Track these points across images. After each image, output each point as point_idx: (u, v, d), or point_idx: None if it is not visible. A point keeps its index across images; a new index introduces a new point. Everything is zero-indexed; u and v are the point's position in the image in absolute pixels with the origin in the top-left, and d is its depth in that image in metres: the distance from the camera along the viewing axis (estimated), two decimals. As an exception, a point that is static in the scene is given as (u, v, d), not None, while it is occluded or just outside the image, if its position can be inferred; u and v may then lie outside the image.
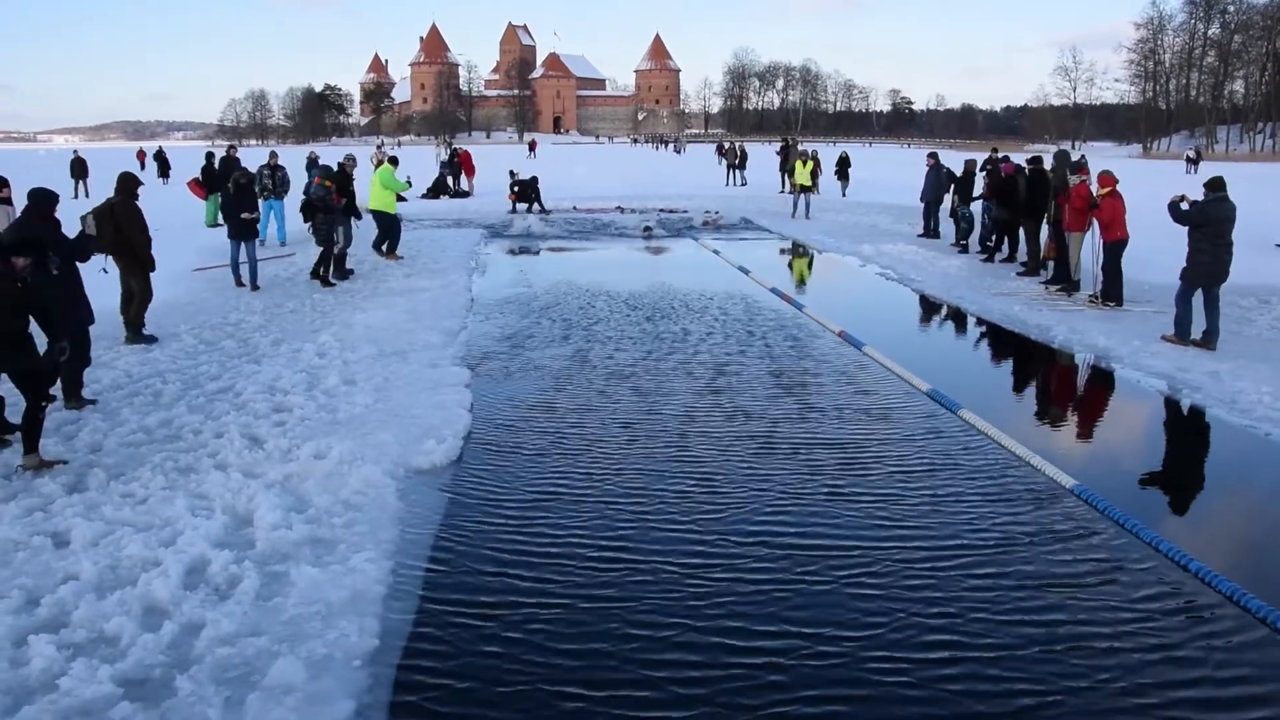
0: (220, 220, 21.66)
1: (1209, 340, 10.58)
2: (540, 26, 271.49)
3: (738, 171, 41.02)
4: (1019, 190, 16.57)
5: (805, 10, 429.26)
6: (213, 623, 4.58)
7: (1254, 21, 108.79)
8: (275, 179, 19.88)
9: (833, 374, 9.78)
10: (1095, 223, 13.17)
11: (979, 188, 19.30)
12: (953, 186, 20.61)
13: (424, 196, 33.33)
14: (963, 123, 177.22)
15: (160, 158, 42.42)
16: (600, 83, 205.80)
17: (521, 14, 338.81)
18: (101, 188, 26.55)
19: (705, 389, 9.20)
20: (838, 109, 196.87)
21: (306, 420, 7.95)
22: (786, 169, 35.40)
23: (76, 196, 30.58)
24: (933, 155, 22.17)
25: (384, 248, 18.00)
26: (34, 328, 6.87)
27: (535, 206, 29.41)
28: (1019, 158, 19.23)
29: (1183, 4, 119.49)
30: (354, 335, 11.14)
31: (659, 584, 5.23)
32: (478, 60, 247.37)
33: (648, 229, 23.78)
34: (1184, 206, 10.84)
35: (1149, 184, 24.21)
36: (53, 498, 6.23)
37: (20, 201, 8.94)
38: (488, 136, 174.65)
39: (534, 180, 30.14)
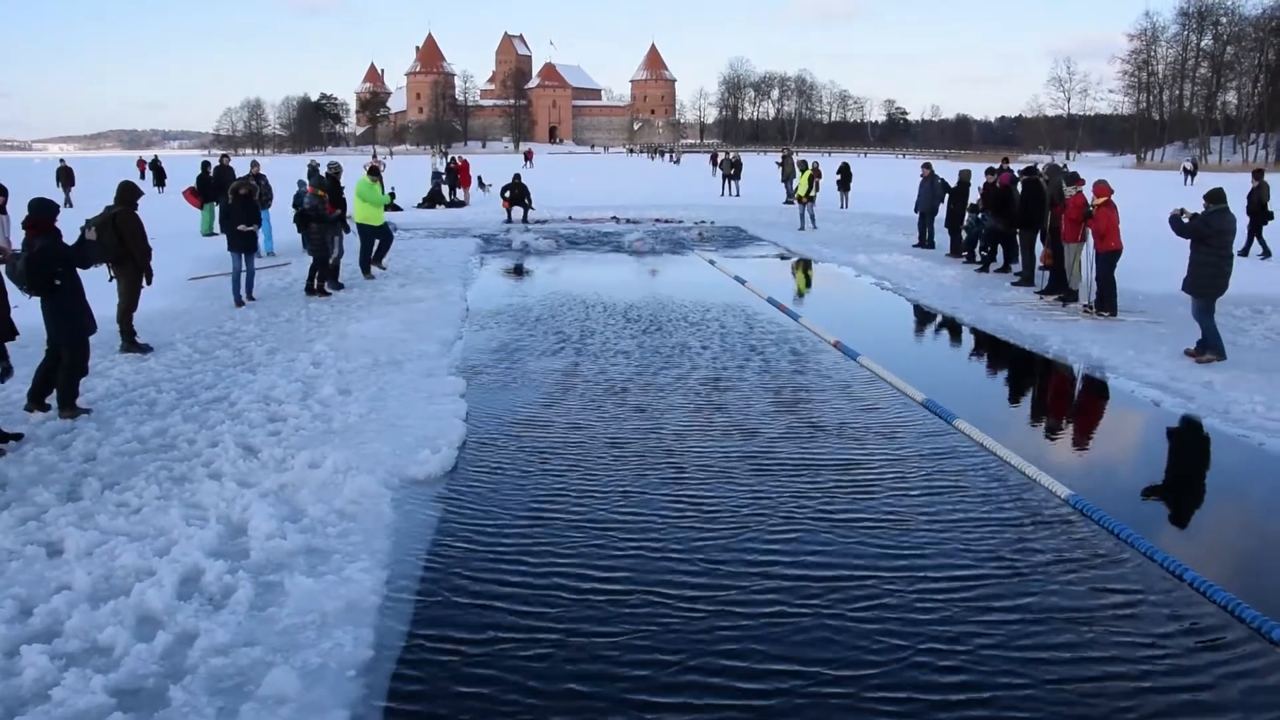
0: (216, 230, 21.68)
1: (1208, 352, 10.47)
2: (536, 36, 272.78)
3: (733, 182, 41.10)
4: (1014, 200, 16.63)
5: (801, 21, 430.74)
6: (207, 633, 4.57)
7: (1246, 33, 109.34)
8: (258, 189, 19.69)
9: (827, 385, 9.78)
10: (1090, 233, 13.20)
11: (973, 197, 19.34)
12: (947, 197, 20.66)
13: (419, 206, 33.38)
14: (957, 133, 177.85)
15: (156, 167, 42.37)
16: (596, 93, 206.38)
17: (517, 24, 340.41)
18: (89, 197, 26.56)
19: (700, 400, 9.21)
20: (833, 119, 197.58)
21: (301, 430, 7.94)
22: (786, 178, 35.55)
23: (63, 206, 30.47)
24: (927, 166, 22.22)
25: (376, 260, 17.48)
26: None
27: (527, 214, 29.29)
28: (1017, 168, 19.24)
29: (1176, 15, 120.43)
30: (349, 345, 11.14)
31: (654, 606, 5.22)
32: (474, 70, 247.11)
33: (639, 241, 23.47)
34: (1184, 219, 10.76)
35: (1144, 195, 24.38)
36: (46, 507, 6.21)
37: (16, 211, 8.95)
38: (483, 146, 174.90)
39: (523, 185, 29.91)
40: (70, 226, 8.68)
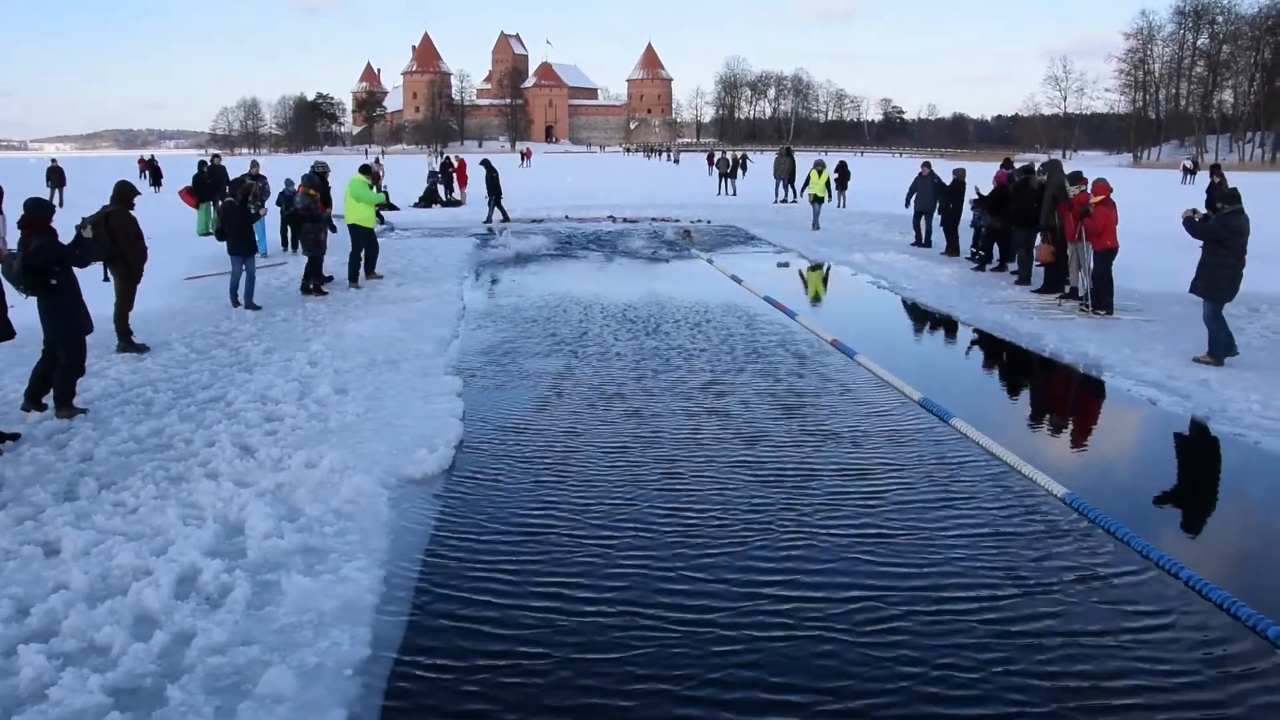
0: (211, 229, 21.62)
1: (1220, 355, 10.30)
2: (532, 36, 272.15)
3: (730, 181, 41.12)
4: (1011, 198, 16.65)
5: (797, 20, 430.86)
6: (204, 632, 4.57)
7: (1242, 32, 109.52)
8: (255, 189, 19.50)
9: (824, 384, 9.79)
10: (1084, 230, 13.20)
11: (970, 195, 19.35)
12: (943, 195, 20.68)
13: (416, 206, 33.37)
14: (954, 132, 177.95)
15: (152, 166, 42.33)
16: (592, 92, 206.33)
17: (514, 23, 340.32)
18: (82, 196, 26.49)
19: (695, 398, 9.22)
20: (829, 118, 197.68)
21: (298, 429, 7.94)
22: (781, 176, 35.52)
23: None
24: (926, 165, 22.25)
25: (361, 268, 16.12)
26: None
27: (492, 213, 28.53)
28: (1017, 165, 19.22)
29: (1172, 14, 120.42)
30: (345, 344, 11.14)
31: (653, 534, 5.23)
32: (470, 69, 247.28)
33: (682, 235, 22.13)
34: (1197, 219, 10.53)
35: (1143, 193, 24.39)
36: (43, 506, 6.21)
37: (12, 210, 8.93)
38: (479, 145, 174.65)
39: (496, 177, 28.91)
40: (62, 226, 8.66)
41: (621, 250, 22.29)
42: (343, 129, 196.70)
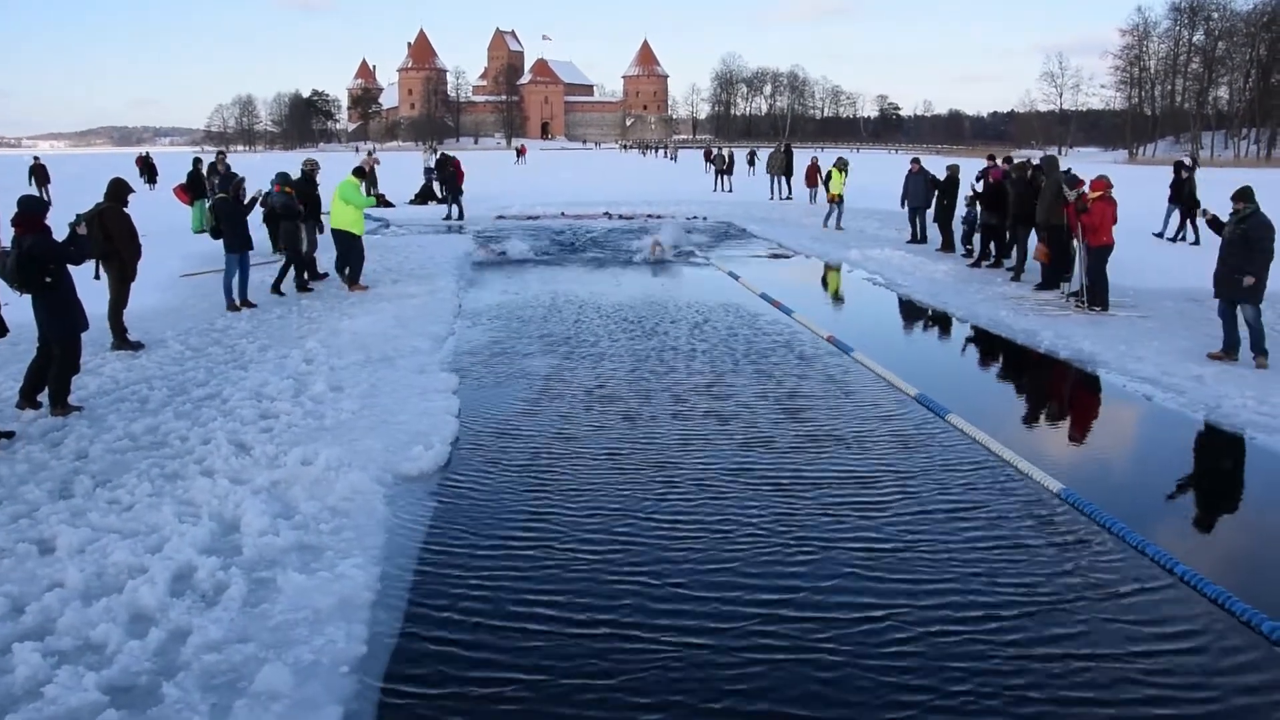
0: (205, 227, 21.55)
1: (1235, 352, 10.20)
2: (528, 32, 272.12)
3: (725, 177, 41.11)
4: (1006, 195, 16.66)
5: (793, 16, 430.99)
6: (199, 629, 4.57)
7: (1238, 28, 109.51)
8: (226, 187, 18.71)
9: (820, 381, 9.80)
10: (1081, 226, 13.19)
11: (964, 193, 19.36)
12: (937, 192, 20.66)
13: (411, 203, 33.31)
14: (950, 128, 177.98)
15: (147, 164, 42.22)
16: (588, 88, 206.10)
17: (509, 20, 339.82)
18: (68, 194, 26.38)
19: (692, 393, 9.22)
20: (825, 115, 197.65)
21: (293, 426, 7.93)
22: (777, 173, 35.51)
23: None
24: (915, 160, 22.24)
25: (345, 273, 15.50)
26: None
27: (451, 210, 28.24)
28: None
29: (1168, 11, 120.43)
30: (341, 341, 11.12)
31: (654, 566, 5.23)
32: (466, 66, 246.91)
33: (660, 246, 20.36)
34: (1223, 220, 10.31)
35: (1142, 190, 24.30)
36: (38, 504, 6.20)
37: (5, 208, 8.90)
38: (475, 142, 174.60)
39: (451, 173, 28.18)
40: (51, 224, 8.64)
41: (616, 250, 22.22)
42: (338, 126, 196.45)
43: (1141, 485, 7.13)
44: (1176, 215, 21.55)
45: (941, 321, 13.66)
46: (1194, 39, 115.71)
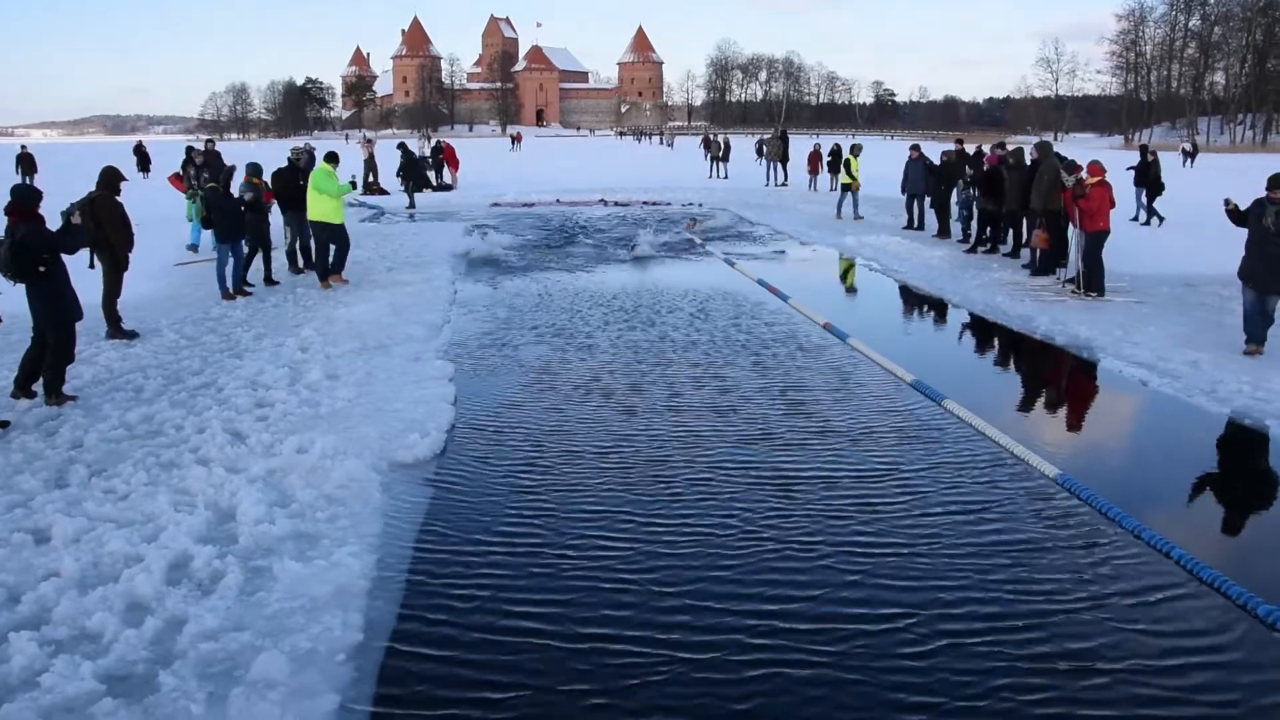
0: (196, 216, 21.45)
1: (1264, 344, 9.94)
2: (522, 19, 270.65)
3: (721, 164, 41.03)
4: (1003, 181, 16.64)
5: (788, 2, 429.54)
6: (196, 618, 4.57)
7: (1234, 13, 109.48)
8: (201, 180, 16.34)
9: (817, 367, 9.79)
10: (1078, 212, 13.18)
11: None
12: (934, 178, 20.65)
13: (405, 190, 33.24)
14: (945, 114, 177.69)
15: (140, 152, 42.05)
16: (583, 75, 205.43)
17: (504, 6, 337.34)
18: (57, 183, 26.22)
19: (688, 380, 9.21)
20: (821, 101, 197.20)
21: (289, 415, 7.91)
22: (773, 159, 35.46)
23: None
24: (915, 147, 22.20)
25: (334, 269, 14.64)
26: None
27: (413, 198, 27.95)
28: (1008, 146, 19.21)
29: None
30: (336, 330, 11.10)
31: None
32: (460, 53, 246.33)
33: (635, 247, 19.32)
34: (1244, 210, 10.04)
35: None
36: (33, 494, 6.18)
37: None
38: (470, 130, 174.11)
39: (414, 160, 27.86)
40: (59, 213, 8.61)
41: (613, 235, 22.19)
42: (332, 113, 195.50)
43: (1135, 469, 7.13)
44: (1144, 198, 22.09)
45: (938, 308, 13.66)
46: (1190, 24, 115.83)
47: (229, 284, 13.43)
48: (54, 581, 4.94)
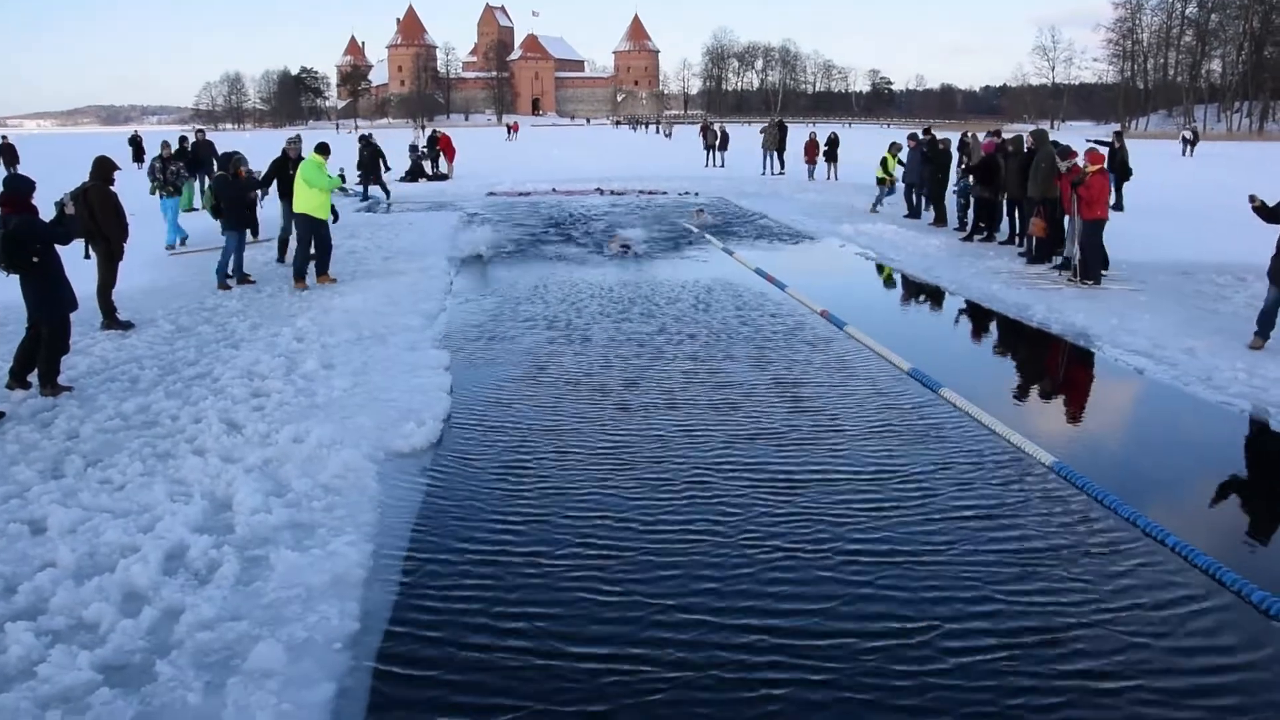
0: (196, 205, 21.42)
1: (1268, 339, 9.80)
2: (518, 7, 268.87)
3: (718, 153, 40.96)
4: (1000, 168, 16.63)
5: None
6: (192, 608, 4.57)
7: (1231, 1, 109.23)
8: (168, 172, 17.23)
9: (815, 355, 9.78)
10: (1077, 200, 13.16)
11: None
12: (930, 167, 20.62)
13: (401, 180, 33.20)
14: (942, 103, 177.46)
15: (135, 142, 41.91)
16: (579, 64, 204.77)
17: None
18: (37, 175, 26.12)
19: (685, 369, 9.21)
20: (817, 89, 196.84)
21: (285, 405, 7.90)
22: (770, 148, 35.41)
23: None
24: (913, 136, 22.15)
25: (320, 268, 13.88)
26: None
27: (368, 189, 27.18)
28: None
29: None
30: (332, 319, 11.08)
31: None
32: (455, 42, 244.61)
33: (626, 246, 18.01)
34: (1270, 205, 9.77)
35: (1142, 165, 24.18)
36: (29, 485, 6.18)
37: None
38: (466, 119, 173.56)
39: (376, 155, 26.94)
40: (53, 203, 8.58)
41: (605, 229, 22.13)
42: (327, 103, 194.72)
43: (1131, 457, 7.14)
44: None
45: (934, 296, 13.66)
46: (1187, 11, 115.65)
47: (230, 271, 13.44)
48: (50, 572, 4.94)
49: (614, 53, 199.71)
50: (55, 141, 74.65)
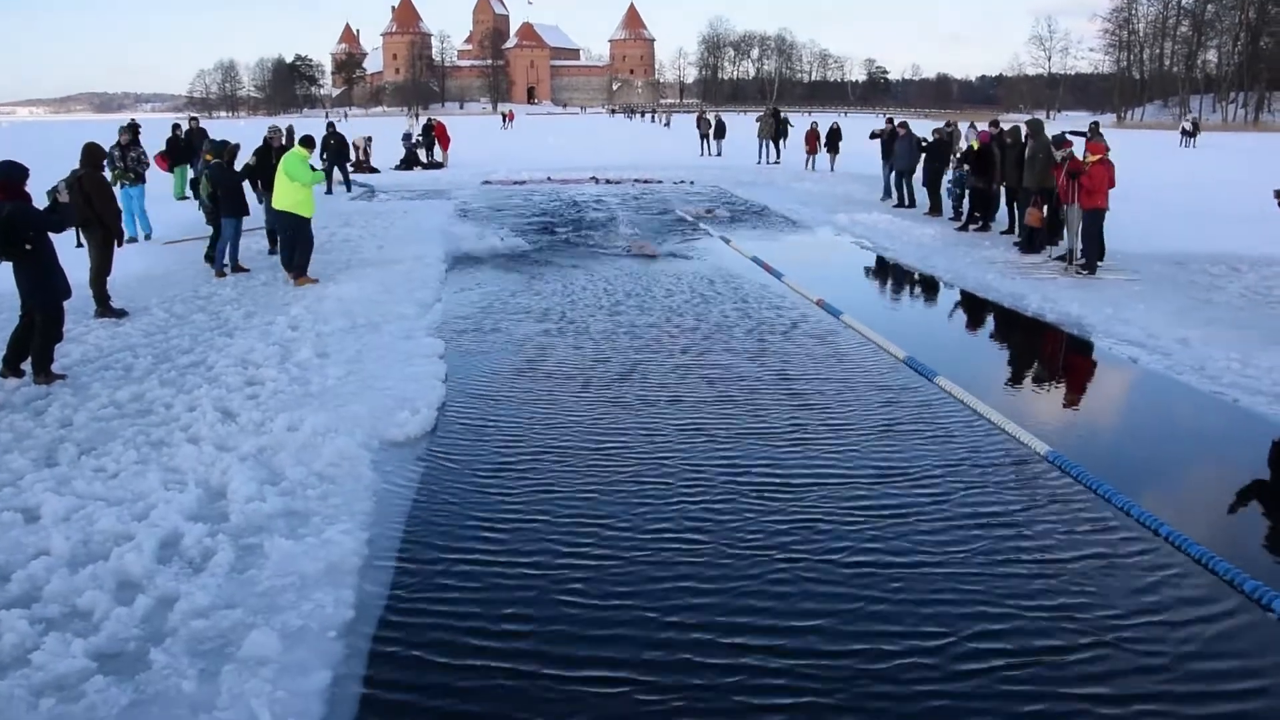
0: (188, 193, 21.30)
1: None
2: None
3: (714, 142, 40.89)
4: (995, 158, 16.62)
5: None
6: (187, 596, 4.56)
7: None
8: (128, 159, 16.64)
9: (811, 344, 9.79)
10: (1077, 189, 13.15)
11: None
12: (924, 156, 20.59)
13: (396, 168, 33.17)
14: (938, 92, 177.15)
15: (133, 129, 41.77)
16: (574, 53, 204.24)
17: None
18: (30, 162, 26.00)
19: (681, 358, 9.21)
20: (813, 79, 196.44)
21: (279, 393, 7.89)
22: (765, 137, 35.34)
23: None
24: (904, 125, 22.14)
25: (292, 262, 13.03)
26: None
27: (348, 180, 26.59)
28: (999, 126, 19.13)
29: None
30: (326, 308, 11.06)
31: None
32: (451, 30, 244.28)
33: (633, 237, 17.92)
34: None
35: (1137, 155, 24.24)
36: (22, 473, 6.16)
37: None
38: (461, 108, 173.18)
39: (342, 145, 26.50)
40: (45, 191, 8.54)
41: (605, 210, 22.12)
42: (322, 91, 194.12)
43: (1124, 446, 7.16)
44: None
45: (930, 285, 13.67)
46: (1183, 1, 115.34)
47: (225, 259, 13.40)
48: (44, 560, 4.92)
49: (609, 41, 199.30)
50: (28, 130, 74.27)
